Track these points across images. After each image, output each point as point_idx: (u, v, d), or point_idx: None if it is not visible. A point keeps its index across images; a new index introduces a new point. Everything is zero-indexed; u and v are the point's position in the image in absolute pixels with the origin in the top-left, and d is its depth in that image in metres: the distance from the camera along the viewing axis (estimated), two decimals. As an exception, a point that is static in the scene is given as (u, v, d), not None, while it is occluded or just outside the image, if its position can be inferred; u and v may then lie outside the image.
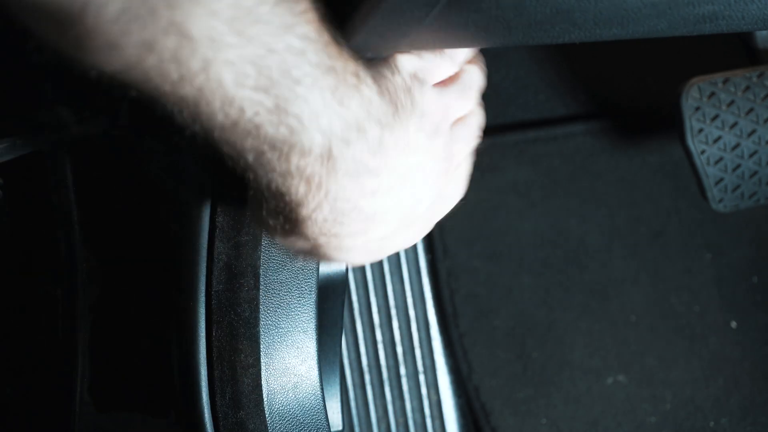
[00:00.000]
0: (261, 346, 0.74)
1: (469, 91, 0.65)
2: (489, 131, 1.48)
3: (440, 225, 1.45)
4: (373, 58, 0.59)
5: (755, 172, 1.27)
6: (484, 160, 1.45)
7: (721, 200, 1.27)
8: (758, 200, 1.29)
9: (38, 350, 0.85)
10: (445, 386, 1.37)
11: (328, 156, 0.50)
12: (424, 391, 1.36)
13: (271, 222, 0.56)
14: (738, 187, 1.27)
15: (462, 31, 0.56)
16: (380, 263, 1.37)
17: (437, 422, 1.37)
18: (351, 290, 1.35)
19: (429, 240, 1.40)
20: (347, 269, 0.79)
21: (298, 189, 0.52)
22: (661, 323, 1.46)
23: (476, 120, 0.66)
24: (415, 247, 1.38)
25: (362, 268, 1.36)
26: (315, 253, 0.58)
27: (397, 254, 1.38)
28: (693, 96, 1.24)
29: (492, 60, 1.49)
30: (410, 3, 0.50)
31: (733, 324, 1.47)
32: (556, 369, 1.42)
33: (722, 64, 1.38)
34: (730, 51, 1.46)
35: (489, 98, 1.49)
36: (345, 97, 0.50)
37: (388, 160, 0.54)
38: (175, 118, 0.48)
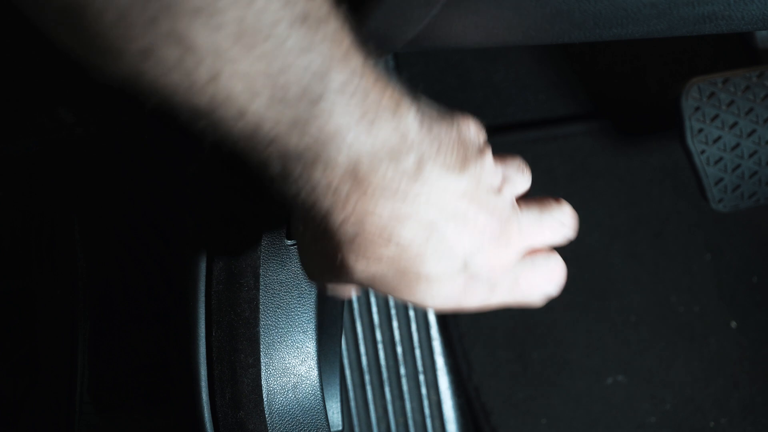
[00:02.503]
0: (261, 346, 0.74)
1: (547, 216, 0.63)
2: (489, 131, 1.48)
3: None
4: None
5: (755, 172, 1.27)
6: (484, 160, 1.45)
7: (721, 200, 1.27)
8: (758, 200, 1.29)
9: (38, 350, 0.85)
10: (445, 386, 1.37)
11: (354, 173, 0.50)
12: (424, 391, 1.36)
13: (301, 231, 0.56)
14: (738, 187, 1.27)
15: (462, 31, 0.56)
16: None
17: (437, 422, 1.37)
18: (351, 290, 1.35)
19: (429, 240, 1.40)
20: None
21: (325, 199, 0.51)
22: (661, 323, 1.46)
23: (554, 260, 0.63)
24: (415, 247, 1.38)
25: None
26: (344, 277, 0.56)
27: (397, 254, 1.38)
28: (693, 96, 1.24)
29: (492, 60, 1.49)
30: (410, 3, 0.50)
31: (733, 324, 1.47)
32: (556, 369, 1.42)
33: (722, 64, 1.38)
34: (730, 51, 1.46)
35: (489, 98, 1.50)
36: (378, 119, 0.50)
37: (430, 192, 0.53)
38: (193, 127, 0.48)
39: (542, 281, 0.62)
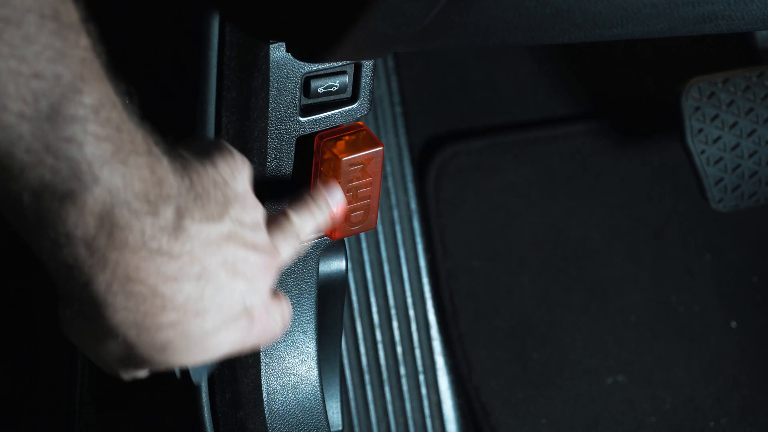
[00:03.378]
0: (261, 346, 0.74)
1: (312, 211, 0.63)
2: (489, 131, 1.48)
3: (440, 225, 1.45)
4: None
5: (755, 172, 1.27)
6: (484, 160, 1.45)
7: (721, 200, 1.27)
8: (758, 200, 1.29)
9: (38, 350, 0.85)
10: (445, 386, 1.37)
11: (111, 221, 0.46)
12: (424, 391, 1.37)
13: (68, 313, 0.51)
14: (738, 187, 1.27)
15: (462, 31, 0.56)
16: (380, 263, 1.37)
17: (437, 422, 1.37)
18: (351, 290, 1.35)
19: (429, 240, 1.40)
20: (347, 269, 0.79)
21: (84, 260, 0.46)
22: (661, 323, 1.46)
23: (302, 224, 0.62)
24: (415, 247, 1.39)
25: (362, 268, 1.36)
26: (131, 354, 0.51)
27: (397, 254, 1.38)
28: (693, 96, 1.24)
29: (492, 60, 1.49)
30: (410, 3, 0.50)
31: (733, 324, 1.47)
32: (556, 369, 1.42)
33: (722, 64, 1.38)
34: (730, 51, 1.47)
35: (489, 98, 1.50)
36: (130, 160, 0.46)
37: (193, 246, 0.50)
38: None
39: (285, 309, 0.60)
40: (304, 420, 0.77)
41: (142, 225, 0.47)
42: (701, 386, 1.44)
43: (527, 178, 1.46)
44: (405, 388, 1.36)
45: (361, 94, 0.69)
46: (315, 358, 0.78)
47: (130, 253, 0.47)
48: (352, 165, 0.68)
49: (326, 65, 0.67)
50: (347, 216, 0.69)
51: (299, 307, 0.76)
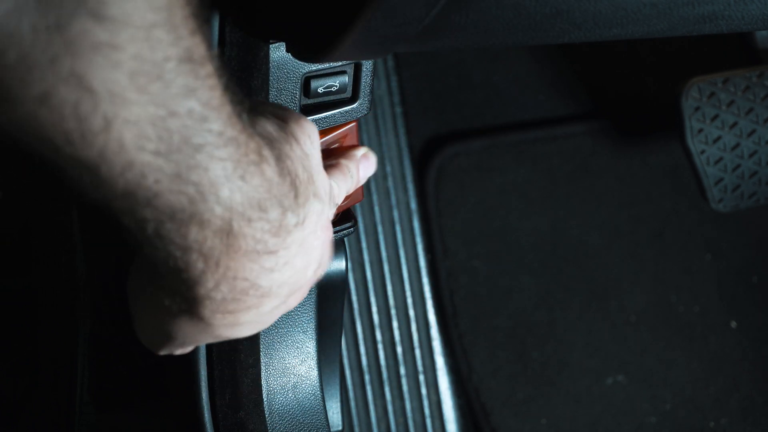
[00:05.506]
0: (261, 346, 0.74)
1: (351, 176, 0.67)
2: (489, 131, 1.48)
3: (440, 225, 1.45)
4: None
5: (755, 172, 1.27)
6: (484, 160, 1.45)
7: (721, 200, 1.27)
8: (758, 200, 1.29)
9: (39, 350, 0.85)
10: (445, 386, 1.37)
11: (228, 232, 0.49)
12: (424, 391, 1.37)
13: (166, 302, 0.54)
14: (738, 187, 1.27)
15: (462, 31, 0.56)
16: (380, 263, 1.37)
17: (437, 422, 1.37)
18: (351, 290, 1.35)
19: (429, 240, 1.40)
20: (347, 269, 0.79)
21: (196, 265, 0.50)
22: (661, 323, 1.46)
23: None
24: (415, 247, 1.39)
25: (362, 268, 1.36)
26: (204, 333, 0.56)
27: (397, 254, 1.38)
28: (693, 96, 1.24)
29: (492, 60, 1.49)
30: (410, 3, 0.50)
31: (733, 324, 1.47)
32: (556, 369, 1.42)
33: (722, 64, 1.38)
34: (730, 51, 1.47)
35: (489, 98, 1.50)
36: (247, 173, 0.49)
37: (287, 239, 0.53)
38: (73, 184, 0.46)
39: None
40: (304, 420, 0.77)
41: (254, 231, 0.50)
42: (701, 386, 1.44)
43: (527, 178, 1.46)
44: (405, 388, 1.36)
45: (361, 94, 0.69)
46: (315, 358, 0.78)
47: (242, 257, 0.51)
48: (329, 144, 0.69)
49: (326, 65, 0.67)
50: None
51: (299, 307, 0.76)
